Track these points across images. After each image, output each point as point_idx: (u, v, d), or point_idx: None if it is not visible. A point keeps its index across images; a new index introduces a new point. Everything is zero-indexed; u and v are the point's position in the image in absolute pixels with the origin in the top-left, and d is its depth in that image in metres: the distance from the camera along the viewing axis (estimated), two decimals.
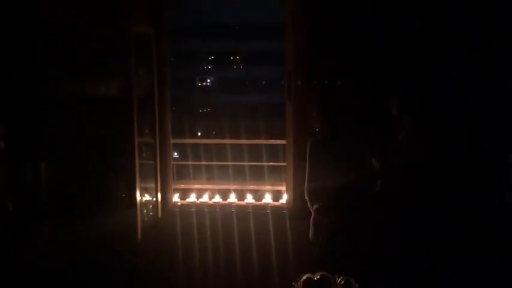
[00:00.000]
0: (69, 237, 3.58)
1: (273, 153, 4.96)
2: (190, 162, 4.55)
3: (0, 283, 3.31)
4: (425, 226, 3.30)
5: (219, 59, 18.42)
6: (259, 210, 4.24)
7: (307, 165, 3.58)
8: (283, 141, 4.20)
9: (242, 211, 4.25)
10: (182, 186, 4.51)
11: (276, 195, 4.39)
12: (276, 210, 4.23)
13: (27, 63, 3.51)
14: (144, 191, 3.79)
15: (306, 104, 3.90)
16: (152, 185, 3.98)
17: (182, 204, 4.35)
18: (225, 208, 4.31)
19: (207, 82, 18.45)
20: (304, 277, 2.59)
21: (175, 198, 4.37)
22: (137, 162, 3.60)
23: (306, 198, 3.59)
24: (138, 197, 3.66)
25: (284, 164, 4.30)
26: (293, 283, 2.55)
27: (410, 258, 3.27)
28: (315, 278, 2.59)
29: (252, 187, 4.45)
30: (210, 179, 4.69)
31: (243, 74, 18.90)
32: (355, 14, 3.80)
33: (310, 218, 3.63)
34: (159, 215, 4.05)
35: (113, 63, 3.60)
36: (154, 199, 4.01)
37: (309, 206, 3.57)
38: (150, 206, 3.92)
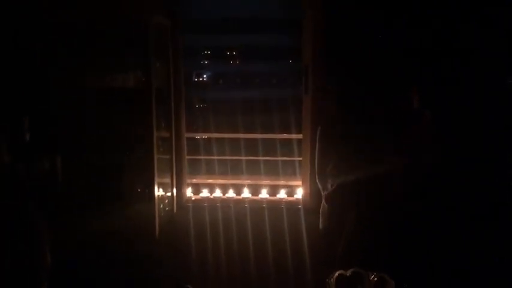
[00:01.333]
0: (83, 233, 3.49)
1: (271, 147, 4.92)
2: (202, 157, 4.47)
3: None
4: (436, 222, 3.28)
5: (215, 54, 18.37)
6: (273, 205, 4.17)
7: (317, 152, 3.53)
8: (299, 136, 4.12)
9: (256, 206, 4.20)
10: (194, 180, 4.44)
11: (290, 191, 4.33)
12: (291, 205, 4.17)
13: (46, 56, 3.41)
14: (160, 185, 3.71)
15: (322, 95, 3.83)
16: (167, 180, 3.90)
17: (196, 199, 4.28)
18: (239, 203, 4.25)
19: (204, 77, 18.41)
20: (337, 274, 2.53)
21: (188, 192, 4.30)
22: (156, 156, 3.52)
23: (319, 186, 3.55)
24: (156, 192, 3.57)
25: (299, 158, 4.22)
26: (326, 280, 2.49)
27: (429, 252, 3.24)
28: (347, 274, 2.53)
29: (265, 182, 4.38)
30: (222, 173, 4.63)
31: (240, 69, 18.88)
32: (371, 8, 3.75)
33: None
34: (175, 210, 3.97)
35: (131, 55, 3.50)
36: (170, 194, 3.93)
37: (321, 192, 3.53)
38: (166, 201, 3.84)
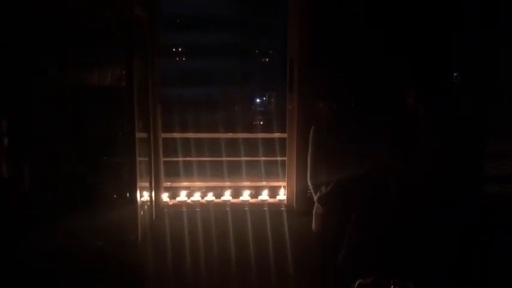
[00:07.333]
0: (59, 243, 3.16)
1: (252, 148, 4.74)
2: (180, 159, 4.20)
3: None
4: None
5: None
6: (256, 208, 3.98)
7: (310, 152, 3.40)
8: (283, 135, 3.94)
9: (238, 209, 4.00)
10: (169, 184, 4.18)
11: (272, 192, 4.15)
12: (275, 207, 4.00)
13: (12, 52, 3.04)
14: (140, 190, 3.42)
15: (310, 93, 3.67)
16: (146, 184, 3.61)
17: (173, 204, 4.02)
18: (219, 207, 4.03)
19: None
20: (357, 283, 2.43)
21: (165, 197, 4.02)
22: (137, 159, 3.23)
23: (310, 187, 3.40)
24: (138, 198, 3.29)
25: (281, 158, 4.05)
26: None
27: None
28: (368, 283, 2.42)
29: (246, 183, 4.18)
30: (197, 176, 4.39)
31: (185, 65, 18.56)
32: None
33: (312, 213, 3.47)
34: (154, 216, 3.69)
35: (109, 49, 3.19)
36: (148, 199, 3.65)
37: (313, 196, 3.38)
38: (145, 207, 3.55)
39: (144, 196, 3.51)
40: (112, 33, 3.19)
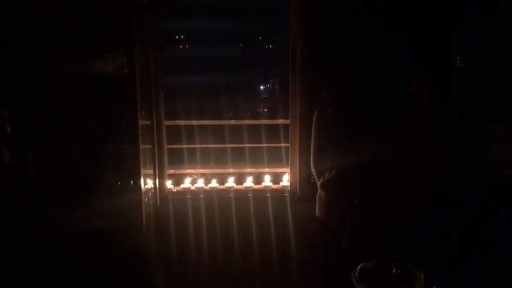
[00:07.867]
0: (62, 231, 3.19)
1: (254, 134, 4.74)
2: (184, 146, 4.21)
3: None
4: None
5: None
6: (260, 194, 3.99)
7: (313, 138, 3.40)
8: (286, 121, 3.94)
9: (241, 195, 4.01)
10: (172, 171, 4.20)
11: (275, 178, 4.16)
12: (278, 193, 4.01)
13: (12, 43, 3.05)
14: (144, 177, 3.44)
15: (313, 79, 3.66)
16: (149, 171, 3.63)
17: (177, 191, 4.04)
18: (223, 193, 4.05)
19: None
20: (359, 266, 2.44)
21: (168, 184, 4.04)
22: (141, 146, 3.24)
23: (313, 173, 3.40)
24: (142, 185, 3.31)
25: (285, 144, 4.06)
26: (351, 274, 2.38)
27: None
28: (370, 267, 2.43)
29: (249, 170, 4.20)
30: (201, 163, 4.40)
31: (188, 53, 18.48)
32: None
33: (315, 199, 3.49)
34: (158, 203, 3.71)
35: (111, 37, 3.20)
36: (152, 186, 3.67)
37: (317, 182, 3.40)
38: (150, 194, 3.58)
39: (148, 183, 3.53)
40: (113, 20, 3.17)
